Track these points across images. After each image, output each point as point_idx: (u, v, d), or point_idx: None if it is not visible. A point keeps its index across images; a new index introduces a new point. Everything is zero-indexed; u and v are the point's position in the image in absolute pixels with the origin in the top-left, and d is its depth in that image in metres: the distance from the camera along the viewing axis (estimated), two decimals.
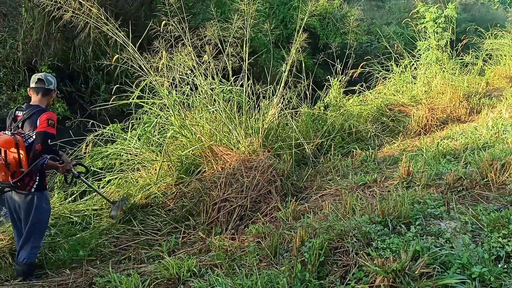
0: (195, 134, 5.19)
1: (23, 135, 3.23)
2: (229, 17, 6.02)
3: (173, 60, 5.56)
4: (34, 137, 3.24)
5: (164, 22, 5.47)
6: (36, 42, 10.83)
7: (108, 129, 5.61)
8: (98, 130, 5.57)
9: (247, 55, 5.61)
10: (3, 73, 10.34)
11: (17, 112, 3.38)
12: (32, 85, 3.45)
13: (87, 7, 4.99)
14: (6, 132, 3.28)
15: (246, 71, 5.61)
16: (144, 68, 5.25)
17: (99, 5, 5.09)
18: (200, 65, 5.64)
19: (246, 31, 5.61)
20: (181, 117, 5.32)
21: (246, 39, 5.61)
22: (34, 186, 3.27)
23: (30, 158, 3.22)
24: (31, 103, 3.44)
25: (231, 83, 5.84)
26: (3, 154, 3.20)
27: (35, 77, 3.46)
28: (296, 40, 5.99)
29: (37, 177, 3.29)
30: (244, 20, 5.63)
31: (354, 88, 8.12)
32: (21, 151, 3.17)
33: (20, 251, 3.32)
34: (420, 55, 9.44)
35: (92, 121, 5.73)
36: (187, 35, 5.56)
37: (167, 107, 5.36)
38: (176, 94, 5.49)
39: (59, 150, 3.64)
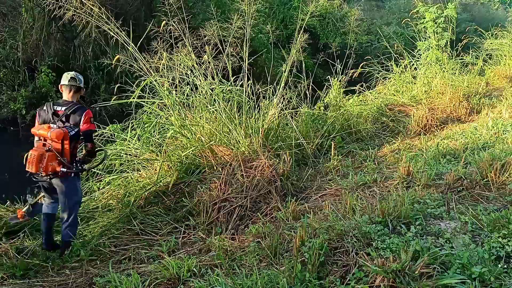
0: (195, 134, 5.19)
1: (67, 127, 3.54)
2: (229, 17, 6.02)
3: (173, 60, 5.56)
4: (76, 130, 3.57)
5: (164, 22, 5.47)
6: (36, 42, 10.83)
7: (108, 130, 5.61)
8: (98, 130, 5.57)
9: (247, 55, 5.61)
10: (3, 73, 10.34)
11: (55, 107, 3.63)
12: (65, 82, 3.71)
13: (88, 6, 5.00)
14: (52, 125, 3.54)
15: (246, 71, 5.61)
16: (144, 68, 5.25)
17: (100, 4, 5.09)
18: (200, 65, 5.64)
19: (247, 31, 5.61)
20: (181, 117, 5.32)
21: (246, 39, 5.62)
22: (74, 171, 3.62)
23: (71, 148, 3.58)
24: (65, 99, 3.72)
25: (231, 83, 5.84)
26: (48, 145, 3.49)
27: (68, 75, 3.73)
28: (296, 40, 5.99)
29: (75, 164, 3.66)
30: (244, 20, 5.63)
31: (354, 88, 8.12)
32: (65, 143, 3.50)
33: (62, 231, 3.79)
34: (420, 55, 9.44)
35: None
36: (187, 35, 5.56)
37: (167, 107, 5.37)
38: (176, 94, 5.49)
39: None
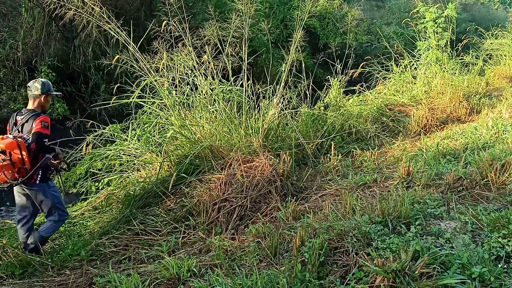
0: (195, 134, 5.19)
1: (23, 137, 3.60)
2: (228, 17, 6.02)
3: (173, 60, 5.56)
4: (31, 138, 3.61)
5: (164, 22, 5.47)
6: (36, 42, 10.84)
7: (107, 130, 5.62)
8: (98, 130, 5.58)
9: (246, 55, 5.60)
10: (3, 73, 10.35)
11: (17, 116, 3.76)
12: (28, 91, 3.82)
13: (89, 6, 5.00)
14: (9, 135, 3.64)
15: (245, 71, 5.60)
16: (144, 68, 5.25)
17: (101, 4, 5.09)
18: (200, 65, 5.64)
19: (245, 31, 5.60)
20: (181, 117, 5.32)
21: (245, 39, 5.61)
22: (38, 178, 3.69)
23: (31, 156, 3.60)
24: (27, 108, 3.81)
25: (231, 83, 5.84)
26: (8, 155, 3.54)
27: (30, 83, 3.82)
28: (295, 39, 5.98)
29: (40, 171, 3.71)
30: (243, 20, 5.62)
31: (354, 88, 8.11)
32: (23, 152, 3.54)
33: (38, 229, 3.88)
34: (420, 55, 9.43)
35: (91, 121, 5.74)
36: (187, 35, 5.56)
37: (167, 107, 5.37)
38: (176, 94, 5.49)
39: (55, 148, 3.89)
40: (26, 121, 3.65)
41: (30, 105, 3.78)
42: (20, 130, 3.66)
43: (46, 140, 3.64)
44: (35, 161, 3.63)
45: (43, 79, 3.87)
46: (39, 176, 3.69)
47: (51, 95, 3.89)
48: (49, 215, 3.86)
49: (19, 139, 3.54)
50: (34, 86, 3.77)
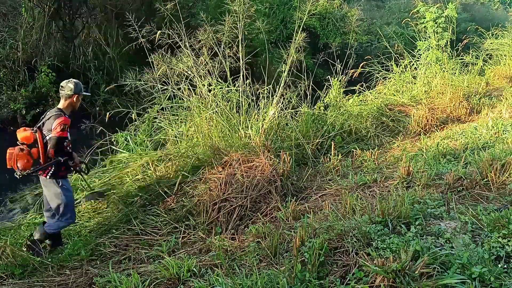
0: (195, 134, 5.20)
1: (43, 133, 3.75)
2: (227, 18, 6.03)
3: (173, 64, 5.59)
4: (48, 137, 3.70)
5: (159, 32, 5.52)
6: (36, 42, 10.83)
7: (114, 137, 5.69)
8: (102, 135, 5.65)
9: (242, 55, 5.61)
10: (3, 73, 10.33)
11: (47, 112, 3.86)
12: (60, 90, 3.92)
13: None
14: (33, 128, 3.79)
15: (243, 71, 5.61)
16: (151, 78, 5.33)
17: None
18: (199, 66, 5.65)
19: (239, 32, 5.61)
20: (181, 120, 5.33)
21: (240, 39, 5.62)
22: (49, 174, 3.79)
23: (46, 152, 3.73)
24: (58, 106, 3.91)
25: (229, 83, 5.84)
26: (26, 146, 3.72)
27: (63, 83, 3.91)
28: (295, 40, 5.98)
29: (53, 167, 3.79)
30: (243, 21, 5.63)
31: (354, 88, 8.11)
32: (40, 146, 3.70)
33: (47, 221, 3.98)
34: (420, 55, 9.43)
35: (98, 126, 5.81)
36: (184, 39, 5.57)
37: (168, 111, 5.39)
38: (176, 99, 5.53)
39: (72, 152, 4.00)
40: (48, 119, 3.74)
41: (61, 104, 3.88)
42: (41, 126, 3.77)
43: (66, 141, 3.80)
44: (50, 158, 3.75)
45: (75, 80, 3.97)
46: (51, 172, 3.79)
47: (82, 95, 4.00)
48: (57, 213, 3.88)
49: (38, 134, 3.70)
50: (68, 86, 3.87)
